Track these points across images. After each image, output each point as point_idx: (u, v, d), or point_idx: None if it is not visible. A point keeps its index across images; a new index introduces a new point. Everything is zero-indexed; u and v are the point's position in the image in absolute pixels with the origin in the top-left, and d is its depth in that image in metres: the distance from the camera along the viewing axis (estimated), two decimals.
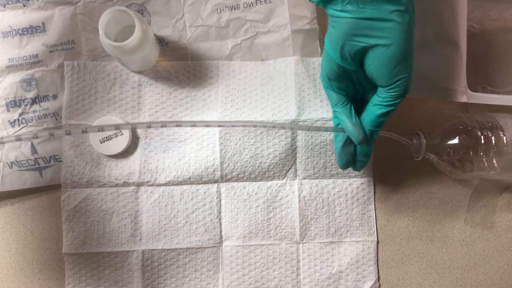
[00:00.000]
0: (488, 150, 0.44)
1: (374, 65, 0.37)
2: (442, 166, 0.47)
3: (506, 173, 0.46)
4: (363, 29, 0.36)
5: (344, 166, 0.45)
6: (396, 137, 0.45)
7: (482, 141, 0.44)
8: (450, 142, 0.46)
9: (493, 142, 0.44)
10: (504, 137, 0.44)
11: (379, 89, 0.40)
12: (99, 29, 0.42)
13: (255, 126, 0.46)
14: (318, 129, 0.47)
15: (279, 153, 0.50)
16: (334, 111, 0.43)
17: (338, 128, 0.44)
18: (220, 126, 0.48)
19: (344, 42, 0.37)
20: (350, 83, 0.42)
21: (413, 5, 0.36)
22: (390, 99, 0.39)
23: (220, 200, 0.50)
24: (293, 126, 0.46)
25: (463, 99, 0.46)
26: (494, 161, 0.45)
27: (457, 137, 0.45)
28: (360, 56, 0.38)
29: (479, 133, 0.45)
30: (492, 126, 0.45)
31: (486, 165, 0.45)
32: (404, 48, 0.36)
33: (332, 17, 0.37)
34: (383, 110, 0.39)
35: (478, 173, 0.46)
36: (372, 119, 0.40)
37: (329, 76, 0.41)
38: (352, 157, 0.45)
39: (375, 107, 0.40)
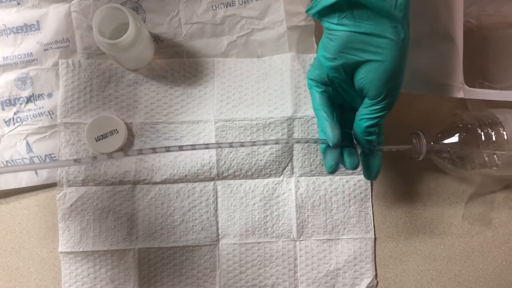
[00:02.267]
0: (489, 147, 0.44)
1: (366, 78, 0.38)
2: (443, 164, 0.47)
3: (508, 169, 0.45)
4: (358, 43, 0.36)
5: (331, 170, 0.42)
6: (395, 148, 0.45)
7: (483, 138, 0.44)
8: (450, 140, 0.45)
9: (494, 138, 0.44)
10: (505, 133, 0.44)
11: (366, 101, 0.40)
12: (93, 26, 0.42)
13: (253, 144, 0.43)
14: (307, 141, 0.43)
15: (276, 151, 0.50)
16: (314, 109, 0.42)
17: (309, 139, 0.42)
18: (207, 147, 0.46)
19: (339, 55, 0.37)
20: (335, 91, 0.42)
21: (408, 22, 0.36)
22: (376, 111, 0.39)
23: (216, 198, 0.50)
24: (288, 141, 0.45)
25: (460, 94, 0.45)
26: (495, 158, 0.44)
27: (457, 135, 0.45)
28: (352, 68, 0.38)
29: (479, 130, 0.44)
30: (491, 122, 0.45)
31: (487, 161, 0.45)
32: (397, 65, 0.37)
33: (328, 29, 0.38)
34: (370, 122, 0.40)
35: (480, 170, 0.45)
36: (362, 131, 0.41)
37: (317, 80, 0.41)
38: (339, 160, 0.42)
39: (361, 120, 0.40)
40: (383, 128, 0.44)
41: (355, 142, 0.43)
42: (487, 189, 0.52)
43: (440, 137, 0.46)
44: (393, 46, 0.36)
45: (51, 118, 0.49)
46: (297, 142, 0.42)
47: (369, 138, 0.41)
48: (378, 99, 0.38)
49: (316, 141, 0.42)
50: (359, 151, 0.43)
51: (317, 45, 0.51)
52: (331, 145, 0.40)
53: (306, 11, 0.39)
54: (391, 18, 0.35)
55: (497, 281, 0.51)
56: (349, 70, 0.38)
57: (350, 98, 0.42)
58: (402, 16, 0.35)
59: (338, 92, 0.42)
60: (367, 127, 0.40)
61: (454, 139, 0.45)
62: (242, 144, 0.41)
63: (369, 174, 0.43)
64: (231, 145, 0.42)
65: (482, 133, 0.44)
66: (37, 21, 0.49)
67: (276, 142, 0.42)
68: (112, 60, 0.50)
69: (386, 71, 0.37)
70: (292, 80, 0.50)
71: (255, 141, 0.43)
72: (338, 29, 0.36)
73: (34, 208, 0.50)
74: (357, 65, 0.38)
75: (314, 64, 0.42)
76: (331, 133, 0.40)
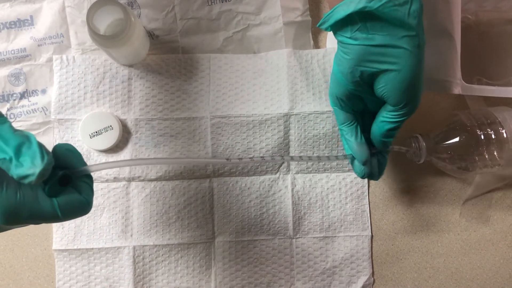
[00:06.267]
0: (489, 147, 0.44)
1: (385, 88, 0.37)
2: (443, 166, 0.47)
3: (510, 167, 0.45)
4: (373, 55, 0.36)
5: (362, 175, 0.43)
6: (397, 148, 0.45)
7: (482, 138, 0.44)
8: (450, 142, 0.45)
9: (493, 138, 0.44)
10: (504, 132, 0.44)
11: (388, 106, 0.40)
12: (86, 20, 0.41)
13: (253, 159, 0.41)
14: (319, 159, 0.43)
15: (272, 147, 0.49)
16: (340, 129, 0.43)
17: (338, 156, 0.43)
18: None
19: (354, 68, 0.37)
20: (358, 101, 0.42)
21: (423, 28, 0.36)
22: (398, 117, 0.39)
23: (212, 195, 0.50)
24: (286, 159, 0.45)
25: (458, 91, 0.45)
26: (496, 157, 0.44)
27: (457, 137, 0.45)
28: (370, 79, 0.38)
29: (478, 131, 0.44)
30: (490, 122, 0.45)
31: (489, 161, 0.44)
32: (415, 72, 0.36)
33: (341, 43, 0.37)
34: (391, 125, 0.40)
35: (482, 170, 0.45)
36: (382, 133, 0.41)
37: (338, 96, 0.41)
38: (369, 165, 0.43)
39: (383, 123, 0.40)
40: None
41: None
42: (485, 187, 0.51)
43: (440, 139, 0.45)
44: (409, 55, 0.35)
45: (45, 114, 0.49)
46: (324, 160, 0.42)
47: (387, 140, 0.41)
48: (399, 106, 0.38)
49: (345, 157, 0.43)
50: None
51: (314, 41, 0.51)
52: (361, 164, 0.42)
53: (318, 26, 0.38)
54: (405, 26, 0.34)
55: (494, 278, 0.51)
56: (368, 80, 0.38)
57: (372, 103, 0.42)
58: (416, 23, 0.34)
59: (360, 100, 0.42)
60: (389, 130, 0.40)
61: (454, 141, 0.45)
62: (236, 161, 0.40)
63: (375, 176, 0.44)
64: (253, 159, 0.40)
65: (482, 134, 0.44)
66: (31, 16, 0.49)
67: (302, 158, 0.42)
68: (106, 56, 0.49)
69: (404, 80, 0.36)
70: (288, 76, 0.49)
71: (253, 157, 0.41)
72: (352, 43, 0.36)
73: None
74: (375, 75, 0.37)
75: (332, 80, 0.41)
76: (359, 152, 0.41)
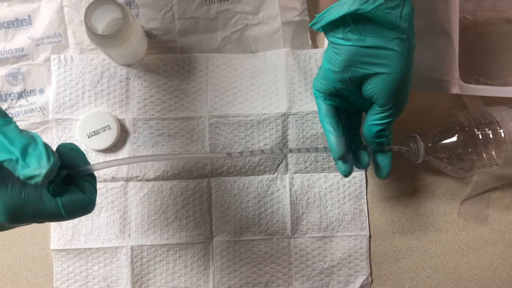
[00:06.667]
0: (488, 147, 0.44)
1: (375, 89, 0.38)
2: (441, 166, 0.47)
3: (508, 167, 0.45)
4: (364, 56, 0.36)
5: (345, 174, 0.43)
6: (397, 148, 0.45)
7: (480, 138, 0.44)
8: (448, 142, 0.45)
9: (491, 137, 0.44)
10: (502, 132, 0.44)
11: (375, 107, 0.40)
12: (84, 20, 0.41)
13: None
14: (308, 150, 0.43)
15: (270, 147, 0.49)
16: (320, 121, 0.43)
17: (326, 148, 0.43)
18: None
19: (346, 68, 0.37)
20: (342, 99, 0.42)
21: (413, 31, 0.36)
22: (385, 118, 0.39)
23: (210, 195, 0.49)
24: (284, 150, 0.44)
25: (455, 90, 0.45)
26: (494, 156, 0.44)
27: (455, 137, 0.45)
28: (359, 80, 0.38)
29: (476, 131, 0.44)
30: (488, 122, 0.44)
31: (487, 161, 0.44)
32: (404, 74, 0.37)
33: (333, 44, 0.37)
34: (379, 127, 0.40)
35: (480, 170, 0.45)
36: (373, 136, 0.41)
37: (323, 91, 0.41)
38: (352, 163, 0.43)
39: (371, 126, 0.40)
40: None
41: (364, 143, 0.43)
42: (483, 186, 0.51)
43: (438, 139, 0.45)
44: (400, 57, 0.35)
45: (43, 114, 0.49)
46: (308, 152, 0.42)
47: (380, 140, 0.41)
48: (387, 107, 0.39)
49: (326, 150, 0.42)
50: (369, 150, 0.43)
51: (312, 41, 0.51)
52: (336, 158, 0.41)
53: (310, 26, 0.39)
54: (397, 29, 0.35)
55: (492, 278, 0.51)
56: (357, 81, 0.38)
57: (357, 103, 0.42)
58: (407, 27, 0.35)
59: (345, 99, 0.42)
60: (378, 131, 0.40)
61: (452, 141, 0.45)
62: (252, 153, 0.40)
63: (381, 173, 0.44)
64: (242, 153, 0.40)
65: (480, 134, 0.44)
66: (29, 16, 0.49)
67: (283, 150, 0.41)
68: (104, 56, 0.49)
69: (394, 82, 0.37)
70: (286, 76, 0.49)
71: (252, 151, 0.41)
72: (344, 43, 0.36)
73: None
74: (365, 77, 0.38)
75: (319, 75, 0.41)
76: (336, 146, 0.41)
